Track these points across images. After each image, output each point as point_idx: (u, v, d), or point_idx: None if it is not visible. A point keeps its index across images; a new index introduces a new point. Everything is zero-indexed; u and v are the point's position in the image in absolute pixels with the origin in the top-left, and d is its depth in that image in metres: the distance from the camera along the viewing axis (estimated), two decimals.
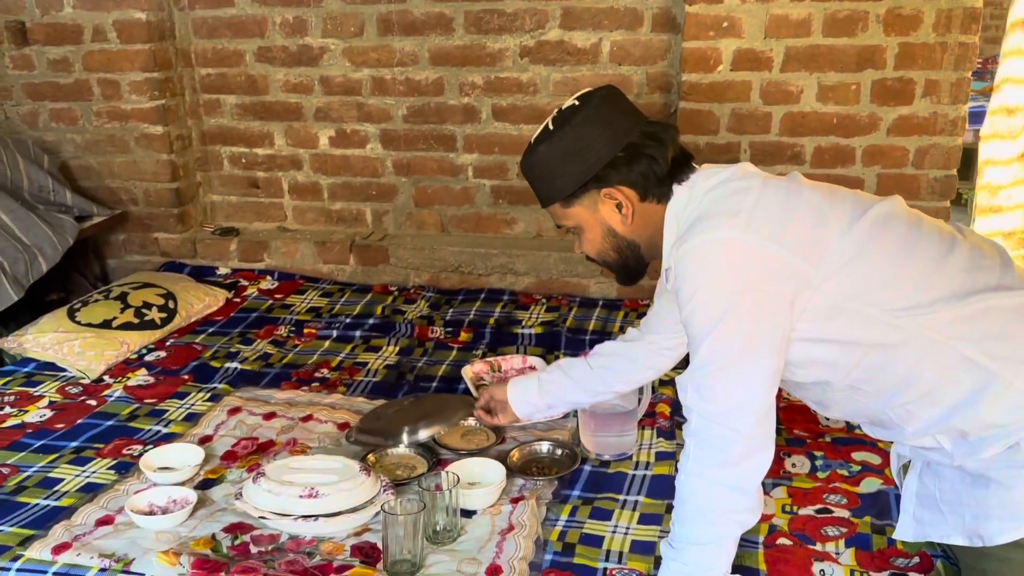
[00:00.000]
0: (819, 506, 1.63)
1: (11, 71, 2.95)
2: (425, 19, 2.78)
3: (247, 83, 2.98)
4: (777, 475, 1.73)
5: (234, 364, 2.30)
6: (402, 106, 2.89)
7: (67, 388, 2.17)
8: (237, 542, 1.55)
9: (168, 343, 2.43)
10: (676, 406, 2.00)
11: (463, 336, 2.45)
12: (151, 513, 1.61)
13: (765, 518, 1.58)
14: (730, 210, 1.29)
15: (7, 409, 2.06)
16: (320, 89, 2.94)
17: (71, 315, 2.39)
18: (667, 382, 2.11)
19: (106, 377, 2.23)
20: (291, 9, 2.86)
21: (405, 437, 1.82)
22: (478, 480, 1.71)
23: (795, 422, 1.92)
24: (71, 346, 2.28)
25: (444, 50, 2.80)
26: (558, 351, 2.33)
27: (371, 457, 1.81)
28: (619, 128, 1.39)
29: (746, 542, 1.49)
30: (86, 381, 2.21)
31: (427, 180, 2.97)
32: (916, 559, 1.49)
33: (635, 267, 1.52)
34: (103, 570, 1.46)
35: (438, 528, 1.55)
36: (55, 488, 1.72)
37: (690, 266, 1.30)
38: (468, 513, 1.62)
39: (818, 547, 1.52)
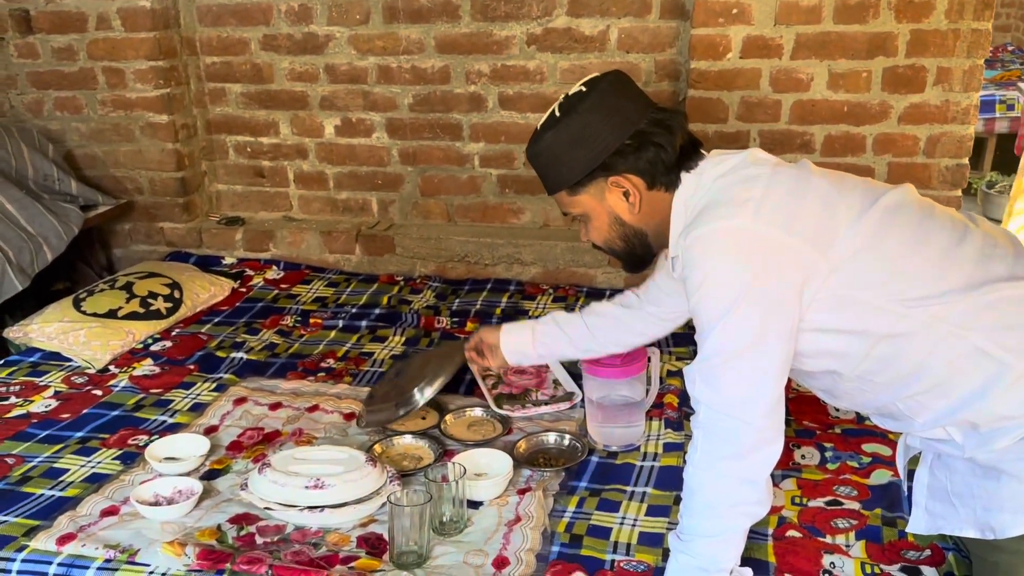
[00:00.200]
0: (829, 498, 1.62)
1: (16, 59, 2.94)
2: (431, 6, 2.76)
3: (252, 71, 2.97)
4: (786, 466, 1.71)
5: (240, 354, 2.29)
6: (408, 94, 2.87)
7: (72, 378, 2.16)
8: (243, 533, 1.54)
9: (174, 333, 2.43)
10: (684, 397, 1.98)
11: (469, 326, 2.44)
12: (156, 504, 1.61)
13: (774, 510, 1.56)
14: (739, 198, 1.27)
15: (12, 399, 2.05)
16: (326, 77, 2.92)
17: (76, 305, 2.38)
18: (675, 372, 2.10)
19: (112, 367, 2.23)
20: None
21: (418, 395, 1.83)
22: (484, 471, 1.70)
23: (804, 413, 1.90)
24: (76, 336, 2.27)
25: (450, 38, 2.78)
26: None
27: (377, 448, 1.81)
28: (626, 115, 1.37)
29: (755, 534, 1.48)
30: (92, 371, 2.20)
31: (433, 169, 2.95)
32: (927, 552, 1.47)
33: (642, 256, 1.50)
34: (108, 561, 1.45)
35: (444, 519, 1.54)
36: (60, 478, 1.72)
37: (698, 255, 1.28)
38: (475, 504, 1.61)
39: (828, 539, 1.50)
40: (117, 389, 2.11)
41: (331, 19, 2.84)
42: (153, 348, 2.33)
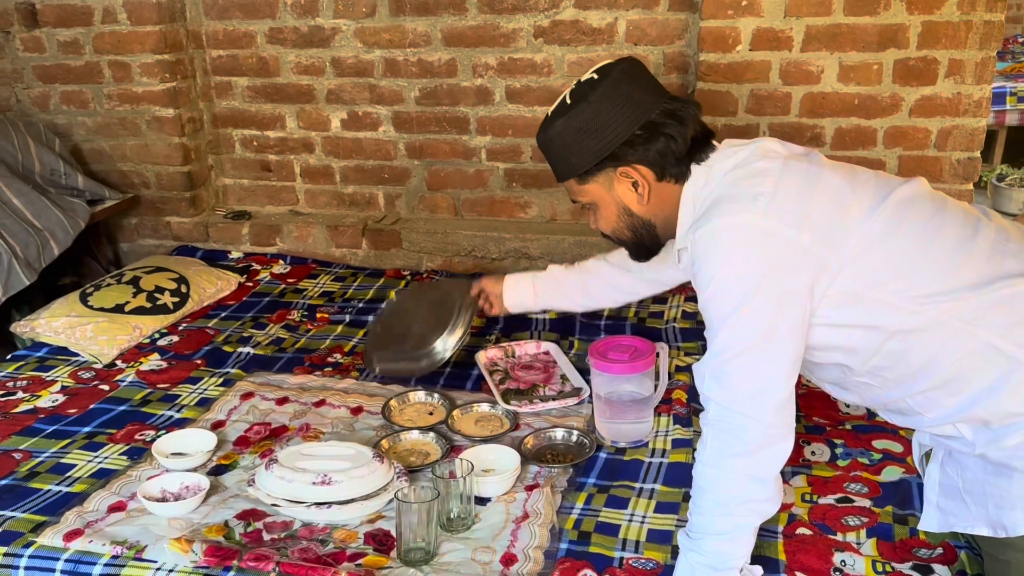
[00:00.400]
0: (839, 495, 1.61)
1: (22, 53, 2.93)
2: None
3: (258, 65, 2.95)
4: (796, 463, 1.70)
5: (247, 349, 2.28)
6: (415, 88, 2.86)
7: (80, 373, 2.16)
8: (250, 529, 1.54)
9: (181, 327, 2.42)
10: (692, 392, 1.97)
11: (476, 321, 2.42)
12: (163, 499, 1.60)
13: (785, 507, 1.55)
14: (748, 194, 1.26)
15: (20, 394, 2.05)
16: (332, 71, 2.91)
17: (83, 299, 2.38)
18: (683, 368, 2.08)
19: (119, 362, 2.22)
20: None
21: (440, 347, 1.90)
22: (492, 467, 1.69)
23: (815, 409, 1.89)
24: (84, 330, 2.27)
25: (457, 31, 2.76)
26: (572, 336, 2.31)
27: (384, 443, 1.80)
28: (638, 104, 1.35)
29: (766, 532, 1.47)
30: (98, 366, 2.20)
31: (440, 163, 2.94)
32: (939, 550, 1.46)
33: (649, 246, 1.50)
34: (115, 557, 1.45)
35: (452, 516, 1.54)
36: (67, 474, 1.72)
37: (707, 251, 1.27)
38: (482, 500, 1.61)
39: (839, 537, 1.49)
40: (124, 384, 2.11)
41: (337, 12, 2.83)
42: (160, 343, 2.33)
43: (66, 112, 2.99)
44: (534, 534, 1.50)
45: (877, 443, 1.76)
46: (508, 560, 1.45)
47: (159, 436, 1.82)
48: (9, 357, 2.26)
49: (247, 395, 2.02)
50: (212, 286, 2.62)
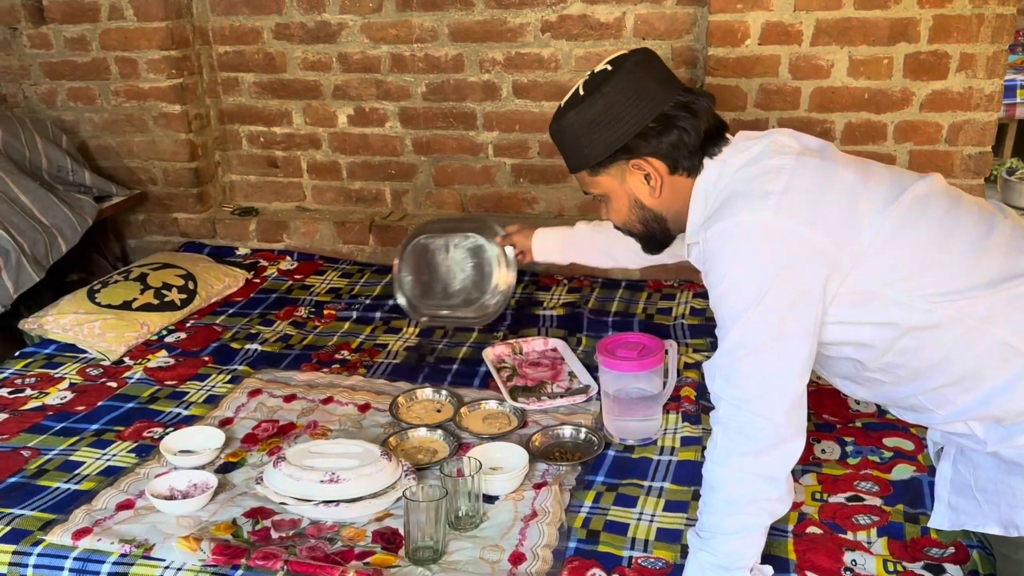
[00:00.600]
0: (850, 493, 1.60)
1: (29, 50, 2.93)
2: None
3: (265, 61, 2.95)
4: (806, 461, 1.69)
5: (254, 346, 2.28)
6: (421, 83, 2.85)
7: (87, 370, 2.16)
8: (258, 527, 1.54)
9: (188, 324, 2.42)
10: (701, 390, 1.96)
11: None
12: (172, 497, 1.60)
13: (795, 506, 1.54)
14: (760, 192, 1.25)
15: (28, 391, 2.06)
16: (338, 67, 2.90)
17: (91, 296, 2.38)
18: (692, 365, 2.07)
19: (126, 359, 2.22)
20: None
21: (490, 301, 2.02)
22: (500, 465, 1.68)
23: (824, 406, 1.88)
24: (91, 327, 2.27)
25: (464, 26, 2.74)
26: (580, 333, 2.30)
27: (392, 440, 1.79)
28: (651, 97, 1.34)
29: (776, 531, 1.46)
30: (106, 363, 2.20)
31: (447, 159, 2.93)
32: (951, 549, 1.45)
33: (661, 239, 1.49)
34: (123, 555, 1.45)
35: (460, 514, 1.53)
36: (76, 471, 1.72)
37: (719, 250, 1.26)
38: (490, 499, 1.60)
39: (849, 536, 1.48)
40: (132, 381, 2.11)
41: (344, 7, 2.81)
42: (168, 340, 2.33)
43: (73, 108, 2.99)
44: (543, 533, 1.50)
45: (888, 441, 1.75)
46: (517, 559, 1.44)
47: (167, 433, 1.82)
48: (17, 354, 2.26)
49: (255, 392, 2.02)
50: (219, 283, 2.62)
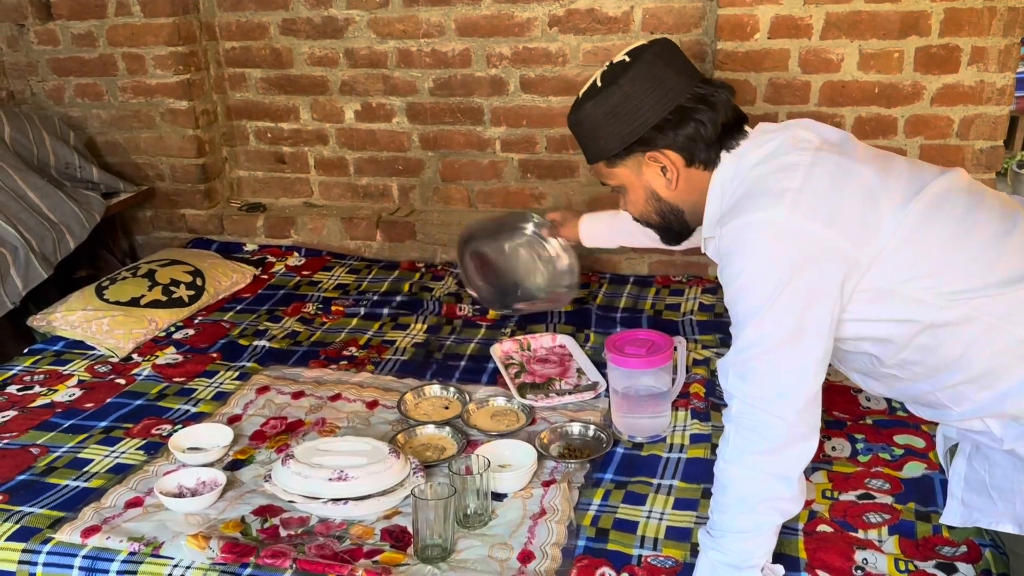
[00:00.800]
0: (860, 491, 1.58)
1: (36, 46, 2.93)
2: None
3: (272, 56, 2.94)
4: (817, 459, 1.67)
5: (262, 342, 2.28)
6: (428, 78, 2.84)
7: (96, 367, 2.17)
8: (267, 525, 1.53)
9: (196, 321, 2.42)
10: (710, 386, 1.95)
11: (491, 314, 2.41)
12: (180, 495, 1.60)
13: (805, 504, 1.52)
14: (776, 189, 1.24)
15: (37, 388, 2.06)
16: (345, 62, 2.89)
17: (99, 293, 2.38)
18: (701, 361, 2.06)
19: (135, 355, 2.23)
20: None
21: (568, 281, 2.10)
22: (508, 462, 1.68)
23: (834, 403, 1.87)
24: (100, 324, 2.27)
25: (471, 20, 2.73)
26: (588, 329, 2.29)
27: (400, 438, 1.79)
28: (669, 88, 1.33)
29: (786, 529, 1.44)
30: (115, 359, 2.20)
31: (454, 154, 2.92)
32: (963, 547, 1.43)
33: (678, 231, 1.49)
34: (132, 554, 1.45)
35: (469, 512, 1.53)
36: (85, 469, 1.72)
37: (734, 248, 1.25)
38: (499, 496, 1.60)
39: (860, 534, 1.47)
40: (140, 378, 2.11)
41: (350, 2, 2.80)
42: (176, 336, 2.33)
43: (80, 105, 2.99)
44: (551, 531, 1.49)
45: (898, 438, 1.74)
46: (525, 557, 1.44)
47: (175, 431, 1.83)
48: (26, 351, 2.26)
49: (263, 389, 2.02)
50: (227, 279, 2.62)
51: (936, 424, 1.52)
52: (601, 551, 1.45)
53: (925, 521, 1.50)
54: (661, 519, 1.54)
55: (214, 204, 3.08)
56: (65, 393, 2.04)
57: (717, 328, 2.25)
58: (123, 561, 1.44)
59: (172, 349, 2.25)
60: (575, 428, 1.82)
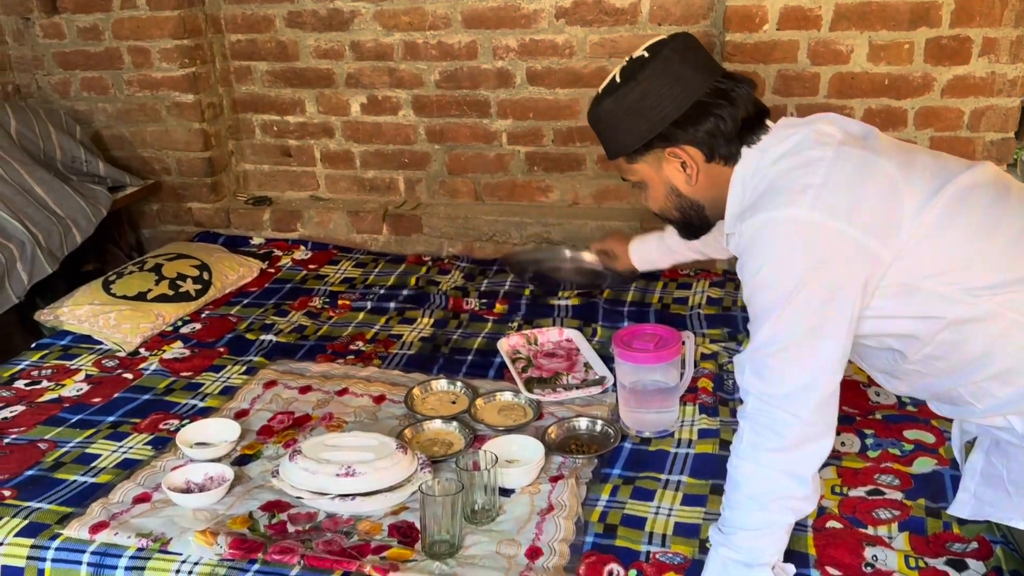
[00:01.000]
0: (870, 487, 1.58)
1: (41, 40, 2.93)
2: None
3: (277, 49, 2.93)
4: None
5: (269, 336, 2.28)
6: (434, 71, 2.83)
7: (103, 361, 2.17)
8: (274, 520, 1.53)
9: (203, 315, 2.42)
10: (718, 381, 1.95)
11: (498, 308, 2.41)
12: (188, 490, 1.60)
13: None
14: (797, 185, 1.22)
15: (45, 383, 2.06)
16: (351, 55, 2.88)
17: (106, 287, 2.38)
18: (709, 356, 2.06)
19: (142, 350, 2.23)
20: None
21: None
22: (516, 458, 1.67)
23: (844, 398, 1.80)
24: (107, 318, 2.27)
25: (477, 12, 2.72)
26: (595, 323, 2.28)
27: (407, 432, 1.79)
28: (688, 84, 1.32)
29: (795, 525, 1.42)
30: (122, 354, 2.21)
31: (460, 147, 2.91)
32: (974, 544, 1.43)
33: (698, 225, 1.48)
34: (140, 550, 1.45)
35: (476, 507, 1.52)
36: (92, 464, 1.72)
37: (754, 244, 1.24)
38: (506, 492, 1.59)
39: (870, 531, 1.47)
40: (148, 372, 2.11)
41: None
42: (183, 330, 2.33)
43: (86, 98, 2.98)
44: (559, 527, 1.49)
45: (908, 433, 1.73)
46: (533, 553, 1.43)
47: (183, 425, 1.83)
48: (34, 345, 2.27)
49: (270, 383, 2.02)
50: (234, 273, 2.62)
51: (952, 420, 1.51)
52: (609, 547, 1.45)
53: (935, 517, 1.49)
54: (669, 515, 1.53)
55: (220, 198, 3.08)
56: (73, 388, 2.04)
57: (725, 322, 2.24)
58: (131, 557, 1.44)
59: (179, 343, 2.25)
60: (582, 423, 1.81)
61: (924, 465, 1.63)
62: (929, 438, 1.71)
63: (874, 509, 1.52)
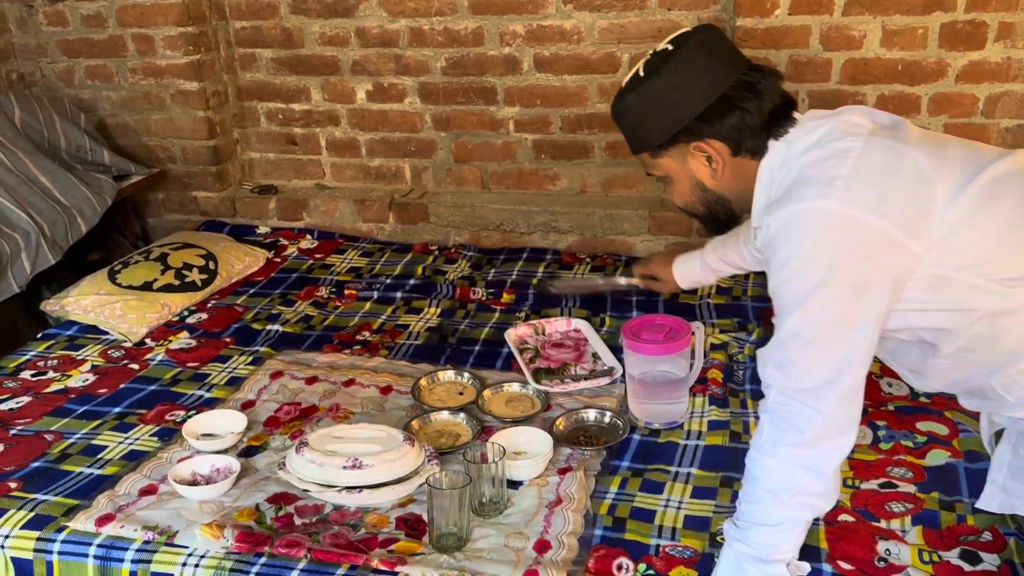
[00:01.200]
0: (883, 480, 1.56)
1: (45, 27, 2.91)
2: None
3: (282, 36, 2.90)
4: None
5: (275, 326, 2.27)
6: (441, 58, 2.80)
7: (109, 352, 2.16)
8: (281, 513, 1.52)
9: (209, 305, 2.41)
10: (728, 372, 1.93)
11: (505, 297, 2.39)
12: (195, 483, 1.59)
13: None
14: (826, 177, 1.19)
15: (51, 373, 2.05)
16: (357, 41, 2.85)
17: (112, 277, 2.37)
18: (719, 346, 2.04)
19: (148, 340, 2.22)
20: None
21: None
22: (524, 449, 1.66)
23: None
24: (112, 308, 2.26)
25: None
26: (603, 313, 2.26)
27: (414, 424, 1.77)
28: (714, 77, 1.29)
29: None
30: (128, 344, 2.20)
31: (467, 135, 2.88)
32: (987, 535, 1.41)
33: (724, 220, 1.45)
34: (146, 543, 1.45)
35: (484, 500, 1.51)
36: (99, 456, 1.71)
37: (781, 236, 1.21)
38: (514, 484, 1.58)
39: (883, 524, 1.45)
40: (154, 363, 2.10)
41: None
42: (189, 320, 2.32)
43: (91, 86, 2.96)
44: (568, 520, 1.48)
45: (921, 425, 1.71)
46: (542, 546, 1.42)
47: (189, 416, 1.82)
48: (40, 336, 2.26)
49: (276, 374, 2.01)
50: (240, 262, 2.60)
51: (975, 412, 1.49)
52: (618, 541, 1.44)
53: (949, 511, 1.47)
54: (679, 508, 1.51)
55: (226, 186, 3.06)
56: (79, 378, 2.03)
57: (735, 312, 2.22)
58: (137, 550, 1.43)
59: (185, 334, 2.24)
60: (591, 414, 1.79)
61: (938, 457, 1.61)
62: (943, 430, 1.68)
63: (887, 502, 1.50)
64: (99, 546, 1.45)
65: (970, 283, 1.19)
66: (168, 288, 2.37)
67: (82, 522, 1.48)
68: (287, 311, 2.37)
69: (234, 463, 1.63)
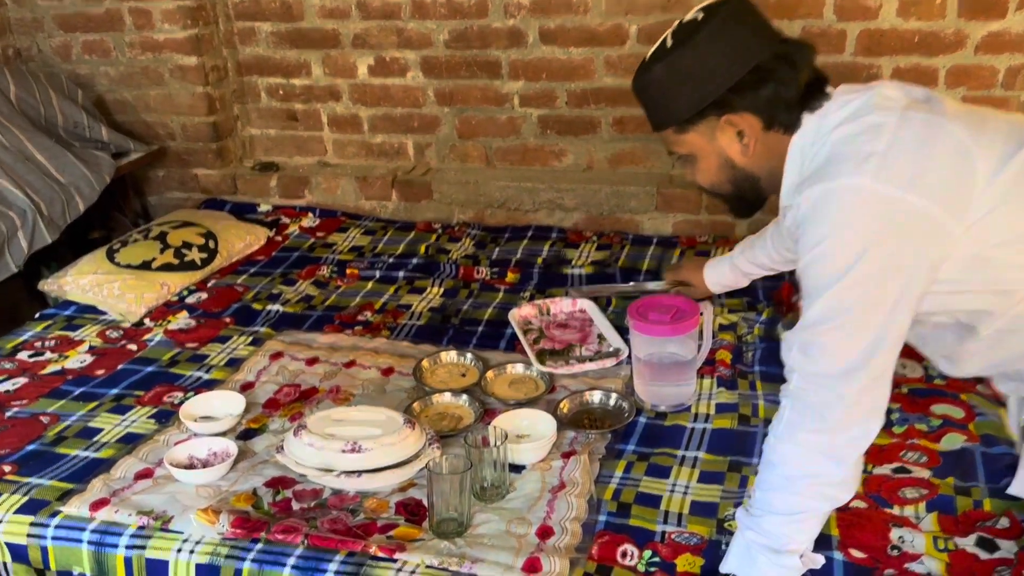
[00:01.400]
0: (896, 465, 1.51)
1: (41, 2, 2.85)
2: None
3: (282, 9, 2.84)
4: None
5: (276, 306, 2.23)
6: (443, 30, 2.73)
7: (107, 332, 2.13)
8: (279, 498, 1.49)
9: (209, 284, 2.37)
10: (737, 353, 1.88)
11: (510, 277, 2.35)
12: (191, 466, 1.56)
13: None
14: (860, 154, 1.14)
15: (48, 354, 2.02)
16: (357, 14, 2.78)
17: (110, 256, 2.34)
18: (727, 327, 1.99)
19: (147, 320, 2.18)
20: None
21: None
22: (527, 432, 1.62)
23: None
24: (111, 288, 2.23)
25: None
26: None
27: (416, 406, 1.74)
28: (746, 47, 1.23)
29: None
30: (126, 325, 2.16)
31: (471, 110, 2.82)
32: (1004, 521, 1.36)
33: (752, 201, 1.40)
34: (141, 528, 1.42)
35: (486, 484, 1.48)
36: (94, 439, 1.69)
37: (813, 216, 1.16)
38: (516, 468, 1.54)
39: (896, 511, 1.41)
40: (152, 343, 2.07)
41: None
42: (188, 300, 2.29)
43: (88, 62, 2.91)
44: (571, 505, 1.44)
45: (936, 408, 1.66)
46: (544, 532, 1.39)
47: (187, 398, 1.79)
48: (37, 316, 2.23)
49: (276, 355, 1.97)
50: (241, 241, 2.56)
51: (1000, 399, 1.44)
52: (623, 527, 1.40)
53: (965, 496, 1.43)
54: (686, 493, 1.48)
55: (227, 163, 3.02)
56: (76, 359, 2.00)
57: (744, 291, 2.16)
58: (132, 536, 1.41)
59: (185, 314, 2.21)
60: (596, 397, 1.75)
61: (953, 442, 1.56)
62: (958, 413, 1.64)
63: (900, 488, 1.45)
64: (93, 532, 1.42)
65: (1012, 262, 1.14)
66: (167, 267, 2.34)
67: (76, 507, 1.46)
68: (288, 290, 2.33)
69: (231, 446, 1.60)
